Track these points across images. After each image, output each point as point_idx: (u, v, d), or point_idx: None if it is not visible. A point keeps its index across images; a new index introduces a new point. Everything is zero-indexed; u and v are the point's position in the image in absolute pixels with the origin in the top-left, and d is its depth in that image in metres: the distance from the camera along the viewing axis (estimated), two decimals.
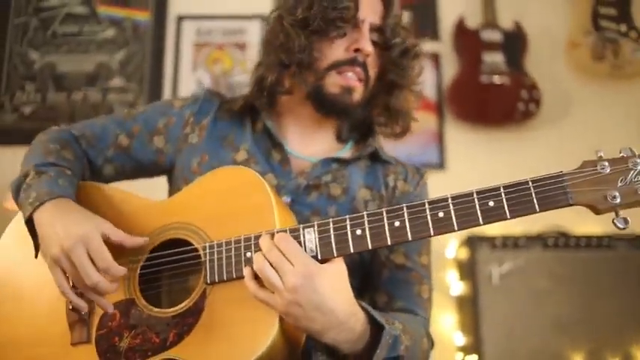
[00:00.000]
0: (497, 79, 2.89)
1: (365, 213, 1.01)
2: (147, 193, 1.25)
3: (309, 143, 1.35)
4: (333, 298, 0.97)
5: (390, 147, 1.46)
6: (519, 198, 0.95)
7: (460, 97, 2.95)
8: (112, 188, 1.26)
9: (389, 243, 1.00)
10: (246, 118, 1.36)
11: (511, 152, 2.87)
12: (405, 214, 0.99)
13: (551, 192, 0.94)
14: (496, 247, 2.48)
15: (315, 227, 1.03)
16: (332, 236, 1.02)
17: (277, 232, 1.02)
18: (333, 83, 1.27)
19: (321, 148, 1.35)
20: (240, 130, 1.34)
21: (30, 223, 1.13)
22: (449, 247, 2.69)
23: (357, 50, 1.26)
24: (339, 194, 1.28)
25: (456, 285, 2.63)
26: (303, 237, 1.03)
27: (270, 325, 0.98)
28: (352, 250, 1.01)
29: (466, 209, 0.97)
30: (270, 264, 0.98)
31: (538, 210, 0.95)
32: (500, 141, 2.91)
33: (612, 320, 2.37)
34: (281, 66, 1.29)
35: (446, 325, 2.62)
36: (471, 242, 2.50)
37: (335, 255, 1.01)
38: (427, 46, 3.01)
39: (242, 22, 3.04)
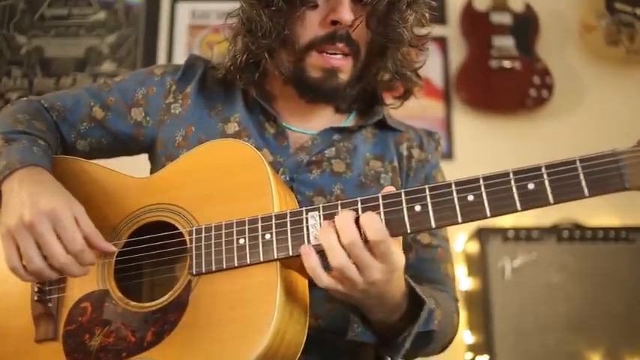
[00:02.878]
0: (507, 64, 2.79)
1: (380, 195, 0.87)
2: (129, 170, 1.11)
3: (306, 117, 1.20)
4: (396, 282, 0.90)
5: None
6: (565, 180, 0.80)
7: (468, 83, 2.84)
8: (90, 163, 1.12)
9: (408, 231, 0.86)
10: (236, 86, 1.21)
11: (522, 141, 2.77)
12: (428, 197, 0.85)
13: (603, 173, 0.79)
14: (508, 240, 2.37)
15: (320, 211, 0.89)
16: None
17: (360, 207, 0.87)
18: (314, 65, 1.09)
19: (321, 121, 1.20)
20: (230, 100, 1.19)
21: None
22: (457, 240, 2.57)
23: (335, 22, 1.06)
24: (344, 170, 1.14)
25: (464, 280, 2.51)
26: (306, 222, 0.89)
27: (266, 325, 0.84)
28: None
29: (501, 192, 0.82)
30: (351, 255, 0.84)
31: (587, 194, 0.79)
32: (511, 129, 2.81)
33: (631, 317, 2.27)
34: (249, 50, 1.12)
35: None
36: (481, 234, 2.39)
37: None
38: (434, 30, 2.88)
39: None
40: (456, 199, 0.84)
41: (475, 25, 2.87)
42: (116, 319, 0.95)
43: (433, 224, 0.84)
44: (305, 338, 0.91)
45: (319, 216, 0.88)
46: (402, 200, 0.85)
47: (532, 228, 2.37)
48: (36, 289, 1.01)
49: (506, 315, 2.27)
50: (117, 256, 1.00)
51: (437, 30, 2.90)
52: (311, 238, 0.88)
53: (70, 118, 1.20)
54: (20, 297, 1.02)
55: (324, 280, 0.86)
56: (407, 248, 1.14)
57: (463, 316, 2.48)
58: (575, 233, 2.38)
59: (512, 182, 0.82)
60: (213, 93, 1.21)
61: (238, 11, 1.15)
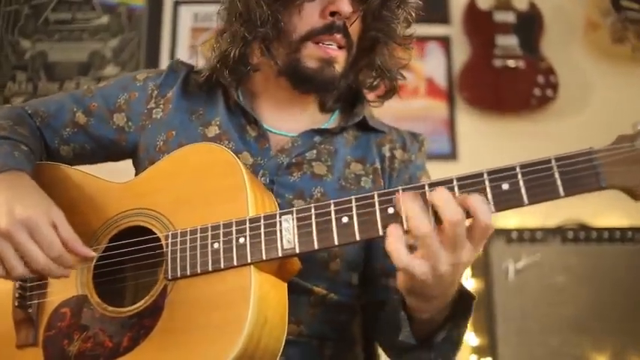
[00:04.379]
0: (511, 63, 2.76)
1: (353, 197, 0.86)
2: (115, 177, 1.11)
3: (289, 118, 1.19)
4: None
5: None
6: (540, 180, 0.79)
7: (472, 83, 2.82)
8: (71, 168, 1.12)
9: (380, 233, 0.83)
10: (217, 89, 1.20)
11: (527, 141, 2.72)
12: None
13: (578, 172, 0.77)
14: (512, 241, 2.34)
15: (294, 214, 0.88)
16: (313, 224, 0.87)
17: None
18: (310, 56, 1.10)
19: (303, 123, 1.19)
20: (211, 103, 1.19)
21: None
22: None
23: (333, 13, 1.08)
24: (325, 173, 1.13)
25: (467, 282, 2.48)
26: (280, 225, 0.88)
27: (239, 330, 0.83)
28: (337, 242, 0.85)
29: (474, 193, 0.80)
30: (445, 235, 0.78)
31: (563, 194, 0.78)
32: (516, 129, 2.78)
33: (637, 318, 2.22)
34: (244, 40, 1.11)
35: None
36: None
37: (316, 247, 0.86)
38: (437, 29, 2.88)
39: None
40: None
41: (478, 24, 2.85)
42: (94, 325, 0.95)
43: (406, 226, 0.81)
44: (283, 343, 0.90)
45: (292, 219, 0.87)
46: (375, 202, 0.84)
47: (536, 229, 2.34)
48: (17, 295, 1.01)
49: (509, 317, 2.24)
50: (97, 261, 1.00)
51: (440, 29, 2.89)
52: (284, 241, 0.87)
53: (54, 124, 1.20)
54: (2, 303, 1.03)
55: (405, 259, 0.79)
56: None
57: None
58: (580, 234, 2.34)
59: (487, 182, 0.80)
60: (194, 97, 1.20)
61: (235, 1, 1.13)
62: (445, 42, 2.89)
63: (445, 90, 2.85)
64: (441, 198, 0.79)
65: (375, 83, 1.20)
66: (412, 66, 2.88)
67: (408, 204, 0.80)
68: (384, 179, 1.18)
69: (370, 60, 1.17)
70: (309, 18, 1.08)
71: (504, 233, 2.33)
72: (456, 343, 0.97)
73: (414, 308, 0.91)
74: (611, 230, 2.33)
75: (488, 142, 2.76)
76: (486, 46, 2.80)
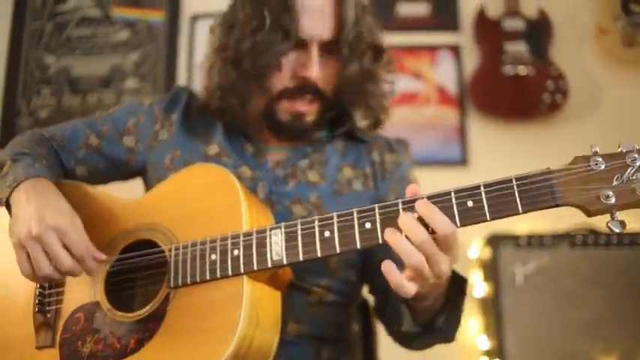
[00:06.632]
0: (521, 70, 2.78)
1: (335, 214, 0.95)
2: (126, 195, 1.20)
3: None
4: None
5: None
6: (501, 197, 0.87)
7: (482, 90, 2.84)
8: (85, 186, 1.23)
9: (358, 247, 0.93)
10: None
11: (538, 147, 2.74)
12: (377, 215, 0.92)
13: (536, 191, 0.86)
14: (520, 246, 2.37)
15: (282, 229, 0.97)
16: (299, 238, 0.96)
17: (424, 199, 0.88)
18: (283, 110, 1.22)
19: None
20: (211, 125, 1.30)
21: (9, 207, 1.09)
22: (472, 246, 2.58)
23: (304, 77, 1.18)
24: (318, 180, 1.24)
25: (479, 286, 2.52)
26: (270, 239, 0.97)
27: (231, 334, 0.92)
28: (319, 254, 0.95)
29: (442, 210, 0.88)
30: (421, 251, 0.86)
31: (521, 211, 0.86)
32: (526, 135, 2.79)
33: None
34: (229, 88, 1.22)
35: (470, 329, 2.50)
36: (494, 241, 2.39)
37: (301, 259, 0.95)
38: (447, 38, 2.93)
39: None
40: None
41: (488, 32, 2.88)
42: (105, 328, 1.04)
43: (380, 240, 0.91)
44: (275, 347, 0.98)
45: (281, 233, 0.96)
46: (354, 218, 0.93)
47: (545, 234, 2.36)
48: (37, 302, 1.11)
49: (518, 321, 2.27)
50: (108, 270, 1.09)
51: (450, 38, 2.94)
52: (273, 253, 0.95)
53: (69, 147, 1.31)
54: (24, 309, 1.13)
55: (412, 289, 0.87)
56: None
57: (479, 321, 2.49)
58: (589, 239, 2.36)
59: (453, 200, 0.88)
60: (196, 120, 1.31)
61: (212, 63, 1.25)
62: (455, 50, 2.94)
63: (456, 97, 2.89)
64: (405, 223, 0.87)
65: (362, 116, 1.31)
66: (423, 74, 2.95)
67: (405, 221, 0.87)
68: (376, 181, 1.27)
69: (353, 102, 1.27)
70: (283, 78, 1.19)
71: (513, 239, 2.36)
72: (457, 322, 1.06)
73: (415, 301, 0.99)
74: (620, 235, 2.35)
75: (498, 148, 2.78)
76: (496, 53, 2.83)
